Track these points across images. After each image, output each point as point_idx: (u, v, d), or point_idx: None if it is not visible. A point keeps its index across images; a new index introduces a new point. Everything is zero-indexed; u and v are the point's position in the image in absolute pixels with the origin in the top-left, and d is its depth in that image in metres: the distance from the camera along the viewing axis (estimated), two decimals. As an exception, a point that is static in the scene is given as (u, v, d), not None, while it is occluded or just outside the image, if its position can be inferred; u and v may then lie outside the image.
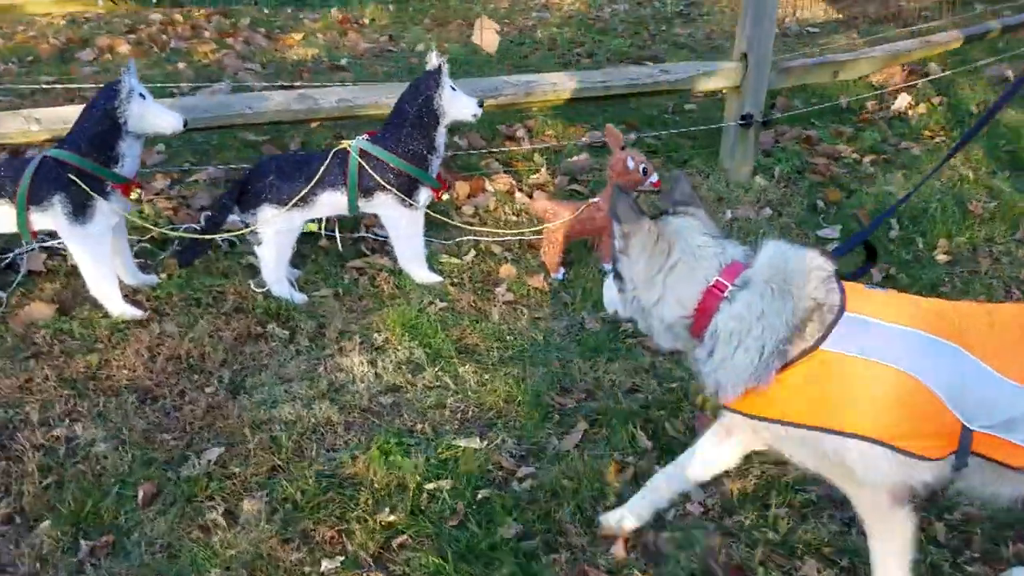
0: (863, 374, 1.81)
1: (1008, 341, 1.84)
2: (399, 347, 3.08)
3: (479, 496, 2.43)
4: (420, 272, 3.49)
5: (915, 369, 1.79)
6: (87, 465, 2.50)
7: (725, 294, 1.88)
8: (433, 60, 3.31)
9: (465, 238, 3.78)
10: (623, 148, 3.54)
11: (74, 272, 3.26)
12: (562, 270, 3.61)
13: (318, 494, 2.41)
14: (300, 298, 3.36)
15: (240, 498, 2.40)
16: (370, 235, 3.76)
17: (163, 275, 3.39)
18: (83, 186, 2.97)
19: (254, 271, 3.46)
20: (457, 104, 3.33)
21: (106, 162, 3.02)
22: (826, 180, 4.66)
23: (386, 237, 3.61)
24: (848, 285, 1.92)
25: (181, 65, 5.61)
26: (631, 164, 3.48)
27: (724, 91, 4.71)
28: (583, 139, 4.85)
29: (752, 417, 1.94)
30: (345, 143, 3.32)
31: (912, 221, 4.13)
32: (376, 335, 3.15)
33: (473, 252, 3.76)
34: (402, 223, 3.41)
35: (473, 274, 3.62)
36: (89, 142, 2.99)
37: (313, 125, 4.33)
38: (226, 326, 3.17)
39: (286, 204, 3.23)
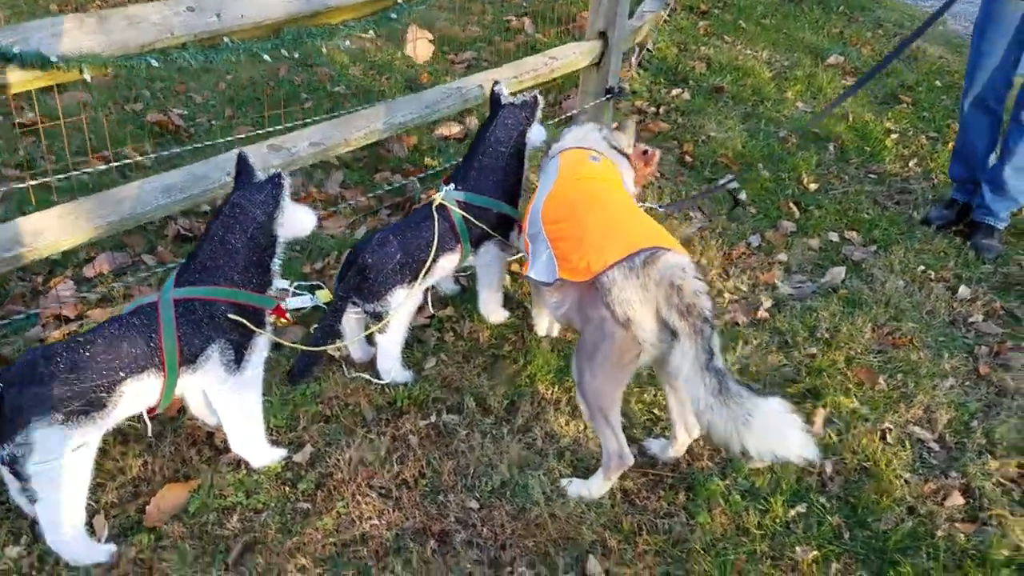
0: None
1: (566, 201, 2.69)
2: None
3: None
4: (498, 314, 3.34)
5: (541, 193, 2.81)
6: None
7: None
8: None
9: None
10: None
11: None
12: None
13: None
14: (411, 376, 3.02)
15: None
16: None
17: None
18: (249, 325, 2.31)
19: (335, 363, 3.00)
20: None
21: (263, 287, 2.37)
22: (659, 136, 5.28)
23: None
24: (576, 155, 2.91)
25: None
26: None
27: (581, 70, 4.99)
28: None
29: None
30: (438, 197, 2.99)
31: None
32: (540, 387, 3.01)
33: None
34: (496, 268, 3.20)
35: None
36: (244, 267, 2.31)
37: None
38: (396, 432, 2.75)
39: (415, 280, 2.85)
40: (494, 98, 3.18)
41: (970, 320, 3.61)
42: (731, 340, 3.32)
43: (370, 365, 3.02)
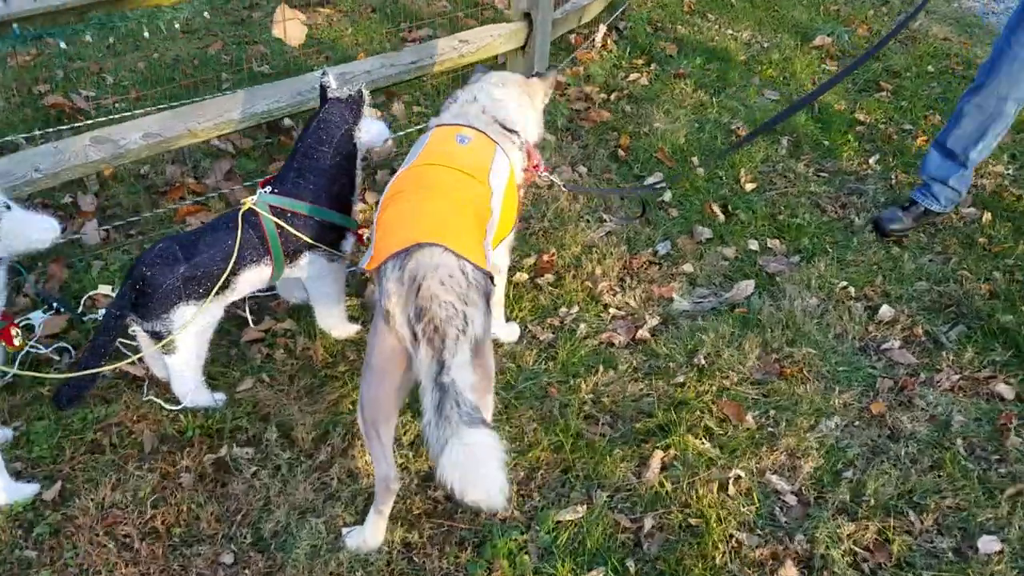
0: None
1: (397, 187, 2.41)
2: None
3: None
4: (342, 328, 3.04)
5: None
6: None
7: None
8: None
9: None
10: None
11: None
12: None
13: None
14: (221, 399, 2.75)
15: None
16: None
17: (14, 427, 2.52)
18: (-48, 352, 2.06)
19: (137, 382, 2.75)
20: None
21: (-25, 310, 2.12)
22: (599, 126, 4.87)
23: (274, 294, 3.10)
24: (445, 133, 2.62)
25: None
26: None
27: (506, 54, 4.62)
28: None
29: None
30: (248, 202, 2.69)
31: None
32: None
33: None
34: (328, 280, 2.90)
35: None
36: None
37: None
38: (171, 468, 2.49)
39: (206, 296, 2.56)
40: (322, 91, 2.86)
41: (884, 347, 3.20)
42: (595, 364, 2.98)
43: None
